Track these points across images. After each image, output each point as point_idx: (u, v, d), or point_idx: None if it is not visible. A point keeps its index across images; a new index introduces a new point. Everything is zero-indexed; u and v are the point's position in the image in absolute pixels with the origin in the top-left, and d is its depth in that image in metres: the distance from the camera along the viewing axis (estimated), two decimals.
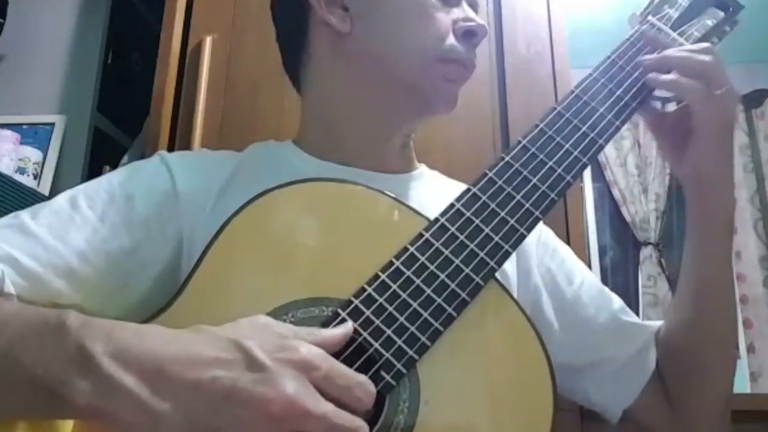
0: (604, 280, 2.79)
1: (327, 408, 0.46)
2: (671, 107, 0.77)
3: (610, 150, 2.94)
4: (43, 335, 0.48)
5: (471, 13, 0.78)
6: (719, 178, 0.72)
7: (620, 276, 2.81)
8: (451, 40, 0.76)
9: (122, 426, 0.45)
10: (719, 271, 0.75)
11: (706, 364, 0.76)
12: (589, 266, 2.84)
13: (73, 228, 0.64)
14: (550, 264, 0.82)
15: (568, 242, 1.24)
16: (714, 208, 0.73)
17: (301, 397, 0.45)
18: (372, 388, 0.50)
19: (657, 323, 0.82)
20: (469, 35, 0.77)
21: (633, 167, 2.93)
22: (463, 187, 0.65)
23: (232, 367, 0.46)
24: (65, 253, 0.62)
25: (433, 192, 0.80)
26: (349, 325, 0.54)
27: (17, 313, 0.51)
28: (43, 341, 0.47)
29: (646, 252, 2.82)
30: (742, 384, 2.65)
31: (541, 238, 0.84)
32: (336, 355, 0.53)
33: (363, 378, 0.50)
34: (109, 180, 0.71)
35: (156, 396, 0.44)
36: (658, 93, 0.75)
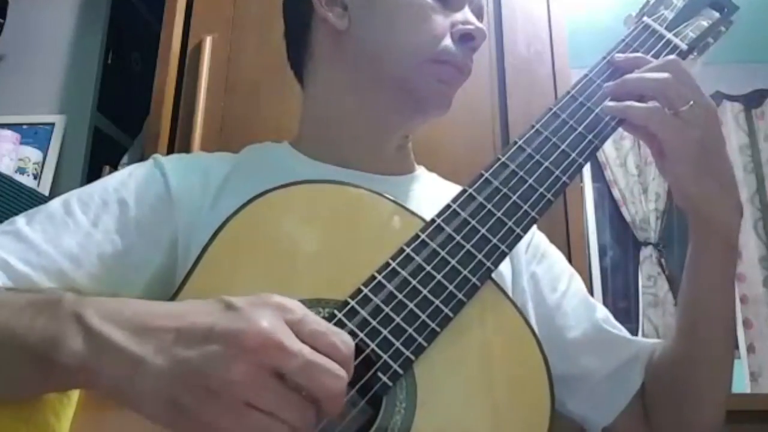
0: (604, 280, 2.80)
1: (303, 345, 0.45)
2: None
3: (610, 150, 2.94)
4: (40, 308, 0.50)
5: (471, 18, 0.77)
6: (708, 198, 0.67)
7: (620, 276, 2.81)
8: (446, 41, 0.75)
9: (109, 385, 0.47)
10: (716, 297, 0.71)
11: (697, 394, 0.73)
12: (589, 266, 2.82)
13: (66, 232, 0.66)
14: (536, 269, 0.81)
15: (567, 242, 1.24)
16: (709, 230, 0.69)
17: (276, 331, 0.44)
18: (349, 339, 0.48)
19: (650, 341, 0.80)
20: (466, 38, 0.76)
21: (633, 167, 2.93)
22: (460, 189, 0.65)
23: (211, 314, 0.47)
24: (57, 257, 0.63)
25: (429, 194, 0.80)
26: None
27: (16, 295, 0.53)
28: (39, 313, 0.50)
29: (646, 252, 2.81)
30: (742, 384, 2.64)
31: (533, 241, 0.83)
32: None
33: (339, 330, 0.49)
34: (103, 184, 0.72)
35: (139, 344, 0.46)
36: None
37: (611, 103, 0.68)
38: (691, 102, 0.65)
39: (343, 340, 0.47)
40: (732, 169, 0.69)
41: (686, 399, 0.73)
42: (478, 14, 0.80)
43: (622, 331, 0.81)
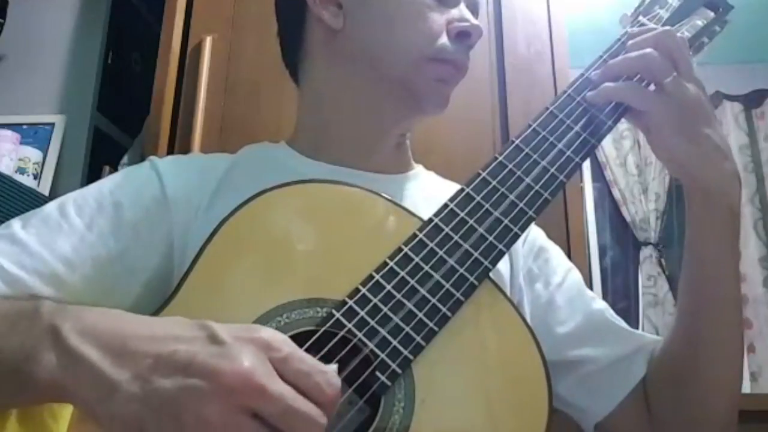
0: (604, 280, 2.79)
1: (284, 388, 0.44)
2: None
3: (610, 150, 2.94)
4: (17, 320, 0.50)
5: (467, 14, 0.77)
6: (702, 164, 0.67)
7: (620, 276, 2.80)
8: (443, 40, 0.75)
9: (82, 403, 0.46)
10: (722, 270, 0.69)
11: (705, 381, 0.70)
12: (589, 266, 2.80)
13: (60, 235, 0.65)
14: (532, 265, 0.81)
15: (568, 242, 1.24)
16: (708, 198, 0.68)
17: (258, 373, 0.44)
18: (335, 379, 0.47)
19: (650, 336, 0.78)
20: (462, 36, 0.76)
21: (633, 167, 2.92)
22: (458, 188, 0.65)
23: (193, 343, 0.46)
24: (51, 260, 0.63)
25: (427, 193, 0.80)
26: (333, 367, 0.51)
27: None
28: (16, 325, 0.49)
29: (646, 252, 2.81)
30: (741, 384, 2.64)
31: (528, 237, 0.83)
32: (332, 356, 0.54)
33: (326, 366, 0.47)
34: (99, 187, 0.72)
35: (116, 367, 0.45)
36: None
37: (591, 93, 0.69)
38: (674, 74, 0.67)
39: (329, 381, 0.46)
40: (725, 139, 0.69)
41: (694, 388, 0.71)
42: (474, 10, 0.80)
43: (624, 324, 0.79)
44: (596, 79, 0.70)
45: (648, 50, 0.67)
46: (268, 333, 0.47)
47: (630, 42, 0.70)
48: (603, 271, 2.75)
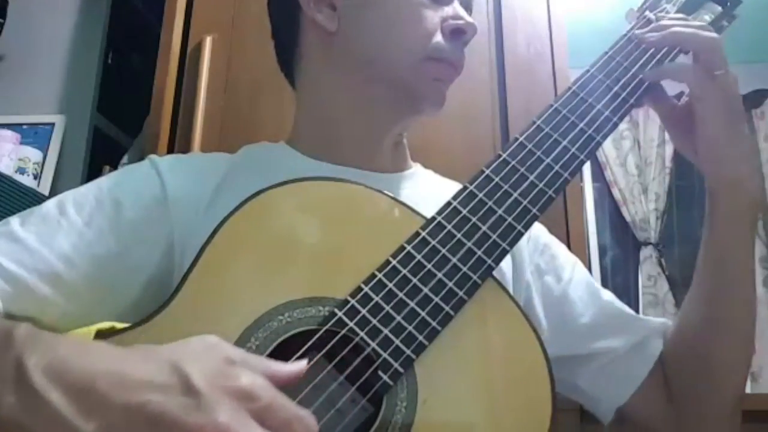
0: (604, 280, 2.79)
1: None
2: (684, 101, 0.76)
3: (610, 150, 2.94)
4: None
5: (461, 12, 0.77)
6: (736, 160, 0.70)
7: (620, 276, 2.80)
8: (438, 38, 0.75)
9: None
10: (739, 262, 0.72)
11: (722, 359, 0.73)
12: (589, 266, 2.82)
13: (59, 233, 0.64)
14: (540, 261, 0.82)
15: (568, 242, 1.24)
16: (736, 191, 0.71)
17: (234, 427, 0.41)
18: (313, 424, 0.45)
19: (660, 320, 0.81)
20: (457, 34, 0.76)
21: (633, 167, 2.92)
22: (456, 186, 0.64)
23: (166, 392, 0.42)
24: (50, 258, 0.62)
25: (425, 191, 0.80)
26: (302, 364, 0.49)
27: None
28: None
29: (646, 252, 2.81)
30: None
31: (533, 234, 0.83)
32: (333, 356, 0.54)
33: (305, 412, 0.45)
34: (99, 185, 0.71)
35: (81, 415, 0.41)
36: (670, 92, 0.75)
37: (652, 33, 0.72)
38: (726, 68, 0.69)
39: (306, 427, 0.44)
40: (749, 138, 0.72)
41: (706, 371, 0.74)
42: (467, 7, 0.80)
43: (632, 311, 0.82)
44: (653, 44, 0.72)
45: (714, 34, 0.70)
46: (248, 380, 0.44)
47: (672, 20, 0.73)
48: (603, 271, 2.75)
